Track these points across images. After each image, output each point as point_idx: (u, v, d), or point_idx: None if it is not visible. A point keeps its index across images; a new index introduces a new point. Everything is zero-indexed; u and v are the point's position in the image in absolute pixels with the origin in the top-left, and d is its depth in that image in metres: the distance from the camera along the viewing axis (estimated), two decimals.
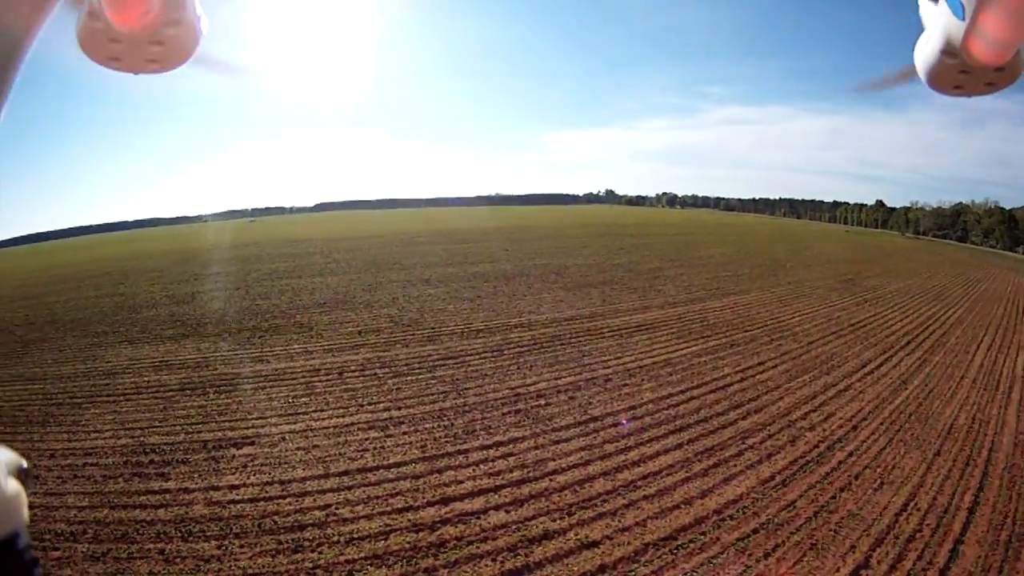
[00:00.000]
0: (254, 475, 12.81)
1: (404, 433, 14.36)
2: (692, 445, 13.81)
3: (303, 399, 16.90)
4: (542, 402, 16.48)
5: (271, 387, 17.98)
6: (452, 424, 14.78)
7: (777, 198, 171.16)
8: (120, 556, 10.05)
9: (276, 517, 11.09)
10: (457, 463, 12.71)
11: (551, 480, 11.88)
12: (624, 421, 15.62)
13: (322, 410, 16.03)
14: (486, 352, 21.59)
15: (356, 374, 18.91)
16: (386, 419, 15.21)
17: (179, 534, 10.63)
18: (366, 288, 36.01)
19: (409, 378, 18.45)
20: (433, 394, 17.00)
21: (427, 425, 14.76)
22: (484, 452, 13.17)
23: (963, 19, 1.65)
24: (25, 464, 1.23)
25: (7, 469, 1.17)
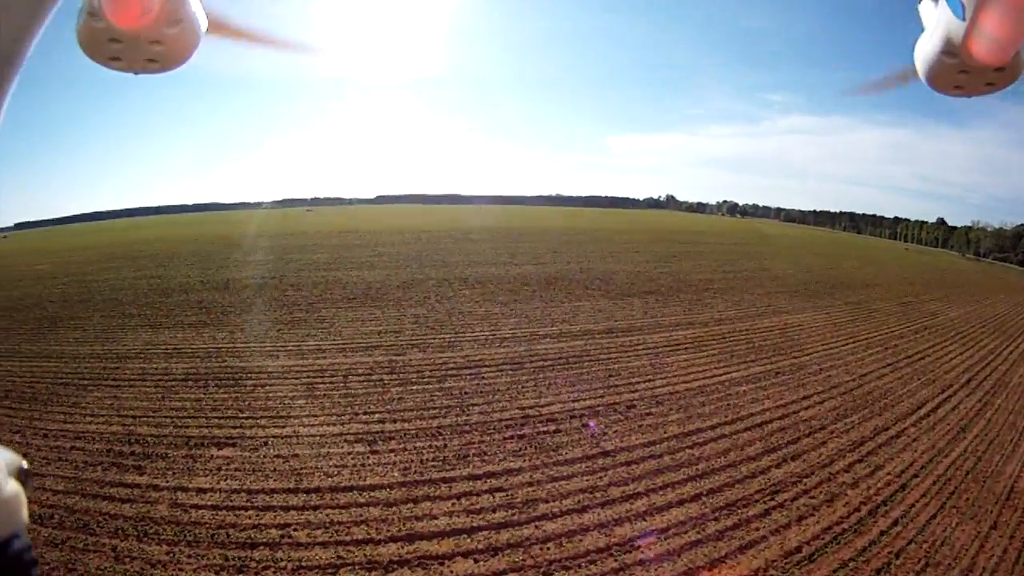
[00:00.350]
0: (224, 480, 12.14)
1: (391, 451, 13.25)
2: (712, 497, 12.00)
3: (299, 401, 16.11)
4: (551, 428, 14.98)
5: (271, 385, 17.32)
6: (445, 445, 13.53)
7: (838, 211, 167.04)
8: (76, 546, 9.80)
9: (232, 530, 10.33)
10: (437, 493, 11.45)
11: (536, 527, 10.42)
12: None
13: (314, 416, 15.15)
14: (505, 364, 20.22)
15: (362, 378, 17.99)
16: (377, 432, 14.15)
17: (136, 533, 10.24)
18: (401, 284, 35.32)
19: (415, 387, 17.35)
20: (435, 408, 15.82)
21: (418, 444, 13.58)
22: (471, 483, 11.85)
23: (963, 19, 1.64)
24: (26, 465, 1.18)
25: (7, 470, 1.14)
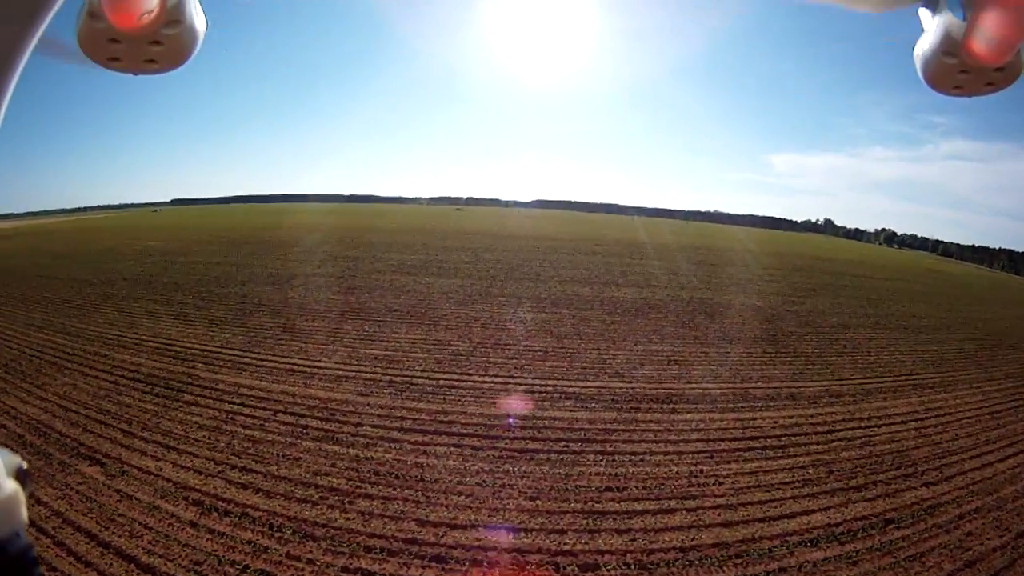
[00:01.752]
0: (59, 500, 11.24)
1: (210, 532, 10.98)
2: None
3: (202, 433, 14.83)
4: (431, 573, 10.27)
5: (200, 406, 16.30)
6: (267, 550, 10.73)
7: (997, 248, 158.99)
8: None
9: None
10: None
11: None
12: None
13: (194, 455, 13.63)
14: (479, 435, 15.33)
15: (290, 419, 15.97)
16: (225, 501, 12.06)
17: None
18: (462, 299, 33.36)
19: (328, 448, 14.44)
20: (316, 488, 12.70)
21: (246, 534, 11.11)
22: None
23: (963, 19, 1.68)
24: (24, 465, 1.22)
25: (6, 469, 1.17)
